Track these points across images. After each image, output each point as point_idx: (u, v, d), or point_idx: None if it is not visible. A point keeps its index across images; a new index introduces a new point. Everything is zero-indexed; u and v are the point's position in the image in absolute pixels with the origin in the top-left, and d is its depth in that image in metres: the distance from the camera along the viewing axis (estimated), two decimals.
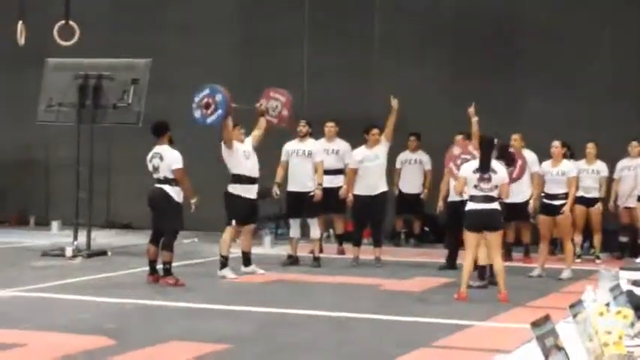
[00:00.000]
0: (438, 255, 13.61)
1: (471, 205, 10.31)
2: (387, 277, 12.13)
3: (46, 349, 7.77)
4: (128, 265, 12.59)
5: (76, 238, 13.75)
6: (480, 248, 10.56)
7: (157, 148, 11.24)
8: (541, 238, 12.35)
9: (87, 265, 12.93)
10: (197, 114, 11.63)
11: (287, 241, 13.67)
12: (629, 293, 5.48)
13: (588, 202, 13.85)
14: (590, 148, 14.01)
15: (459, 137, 12.46)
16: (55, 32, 14.27)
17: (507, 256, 12.88)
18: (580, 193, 13.23)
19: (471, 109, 12.22)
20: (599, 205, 13.93)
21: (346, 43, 16.76)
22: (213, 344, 7.83)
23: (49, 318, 9.03)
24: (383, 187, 13.17)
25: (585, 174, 13.82)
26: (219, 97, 11.52)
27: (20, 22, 14.23)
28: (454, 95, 15.40)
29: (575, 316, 4.31)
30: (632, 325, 4.92)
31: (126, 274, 12.08)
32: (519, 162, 11.84)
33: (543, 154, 12.65)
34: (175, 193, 11.12)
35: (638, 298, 5.46)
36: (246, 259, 12.17)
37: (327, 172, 13.46)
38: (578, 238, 13.79)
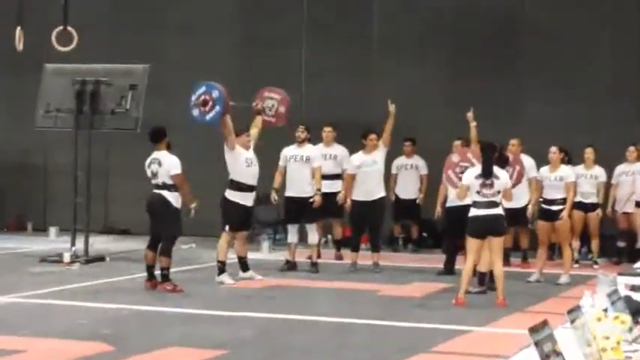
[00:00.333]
0: (436, 260, 13.61)
1: (474, 212, 10.31)
2: (385, 282, 12.13)
3: (44, 355, 7.77)
4: (126, 271, 12.58)
5: (73, 243, 13.73)
6: (482, 254, 10.56)
7: (156, 154, 11.24)
8: (539, 243, 12.35)
9: (85, 271, 12.92)
10: (195, 112, 11.57)
11: (285, 246, 13.66)
12: (627, 298, 5.48)
13: (586, 208, 13.84)
14: (589, 153, 14.01)
15: (458, 143, 12.46)
16: (53, 38, 14.28)
17: (505, 261, 12.83)
18: (578, 199, 13.22)
19: (470, 114, 12.23)
20: (598, 211, 13.93)
21: (345, 44, 16.78)
22: (212, 350, 7.83)
23: (47, 324, 9.02)
24: (381, 193, 13.17)
25: (583, 179, 13.82)
26: (216, 94, 11.48)
27: (19, 28, 14.24)
28: (454, 96, 15.44)
29: (573, 321, 4.31)
30: (630, 330, 4.92)
31: (124, 279, 12.06)
32: (517, 168, 11.83)
33: (542, 159, 12.65)
34: (174, 198, 11.11)
35: (636, 304, 5.46)
36: (243, 264, 12.16)
37: (325, 177, 13.46)
38: (576, 244, 13.78)
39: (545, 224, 12.22)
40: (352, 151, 13.61)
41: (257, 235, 15.26)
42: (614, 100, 15.48)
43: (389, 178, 15.01)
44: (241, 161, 11.76)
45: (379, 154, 13.11)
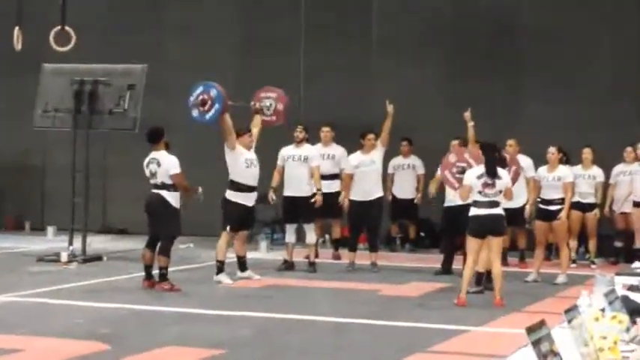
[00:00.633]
0: (433, 260, 13.61)
1: (475, 211, 10.30)
2: (383, 282, 12.13)
3: (42, 354, 7.78)
4: (124, 271, 12.58)
5: (71, 243, 13.73)
6: (481, 254, 10.57)
7: (154, 154, 11.24)
8: (537, 243, 12.36)
9: (82, 270, 12.92)
10: (195, 113, 11.57)
11: (283, 246, 13.67)
12: (625, 298, 5.48)
13: (584, 208, 13.84)
14: (587, 153, 14.01)
15: (455, 143, 12.46)
16: (51, 38, 14.28)
17: (503, 261, 12.85)
18: (576, 199, 13.22)
19: (467, 114, 12.24)
20: (595, 211, 13.93)
21: (344, 44, 16.78)
22: (209, 349, 7.83)
23: (45, 323, 9.02)
24: (379, 193, 13.19)
25: (581, 179, 13.81)
26: (214, 92, 11.48)
27: (17, 28, 14.24)
28: (452, 96, 15.45)
29: (570, 321, 4.31)
30: (628, 330, 4.92)
31: (121, 279, 12.06)
32: (513, 167, 11.83)
33: (541, 159, 12.63)
34: (173, 198, 11.12)
35: (634, 304, 5.46)
36: (242, 263, 12.17)
37: (324, 177, 13.45)
38: (574, 244, 13.78)
39: (542, 224, 12.23)
40: (350, 151, 13.61)
41: (255, 234, 15.25)
42: (613, 100, 15.49)
43: (385, 178, 15.02)
44: (241, 162, 11.76)
45: (377, 154, 13.12)
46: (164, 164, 11.09)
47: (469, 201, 10.50)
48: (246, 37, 17.34)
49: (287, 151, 13.13)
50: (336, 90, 16.51)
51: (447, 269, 12.67)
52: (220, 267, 11.77)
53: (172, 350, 7.89)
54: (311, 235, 13.08)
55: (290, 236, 13.13)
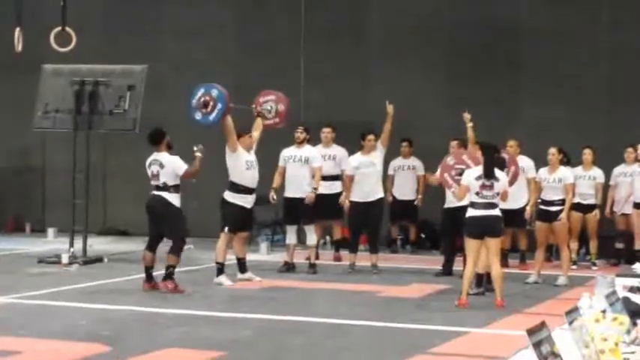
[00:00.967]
0: (434, 261, 13.59)
1: (472, 212, 10.30)
2: (383, 283, 12.12)
3: (42, 356, 7.78)
4: (124, 272, 12.57)
5: (72, 244, 13.73)
6: (480, 255, 10.56)
7: (156, 155, 11.23)
8: (537, 244, 12.35)
9: (83, 272, 12.91)
10: (197, 116, 11.53)
11: (283, 247, 13.66)
12: (625, 300, 5.48)
13: (585, 209, 13.82)
14: (587, 154, 13.99)
15: (454, 144, 12.45)
16: (51, 39, 14.28)
17: (503, 262, 12.85)
18: (576, 200, 13.21)
19: (466, 115, 12.22)
20: (596, 212, 13.92)
21: (344, 47, 16.78)
22: (210, 351, 7.83)
23: (45, 325, 9.02)
24: (379, 194, 13.17)
25: (582, 180, 13.80)
26: (215, 93, 11.44)
27: (17, 29, 14.23)
28: (452, 98, 15.44)
29: (571, 322, 4.31)
30: (629, 331, 4.92)
31: (122, 280, 12.06)
32: (513, 168, 11.81)
33: (541, 161, 12.62)
34: (175, 199, 11.12)
35: (635, 305, 5.47)
36: (242, 265, 12.16)
37: (324, 178, 13.45)
38: (575, 245, 13.76)
39: (543, 225, 12.22)
40: (350, 152, 13.61)
41: (255, 236, 15.25)
42: (613, 101, 15.48)
43: (385, 179, 15.01)
44: (241, 164, 11.75)
45: (377, 155, 13.11)
46: (168, 166, 11.07)
47: (466, 202, 10.51)
48: (246, 38, 17.33)
49: (288, 152, 13.13)
50: (335, 92, 16.50)
51: (447, 271, 12.66)
52: (220, 269, 11.76)
53: (173, 352, 7.89)
54: (311, 236, 13.07)
55: (291, 238, 13.13)
